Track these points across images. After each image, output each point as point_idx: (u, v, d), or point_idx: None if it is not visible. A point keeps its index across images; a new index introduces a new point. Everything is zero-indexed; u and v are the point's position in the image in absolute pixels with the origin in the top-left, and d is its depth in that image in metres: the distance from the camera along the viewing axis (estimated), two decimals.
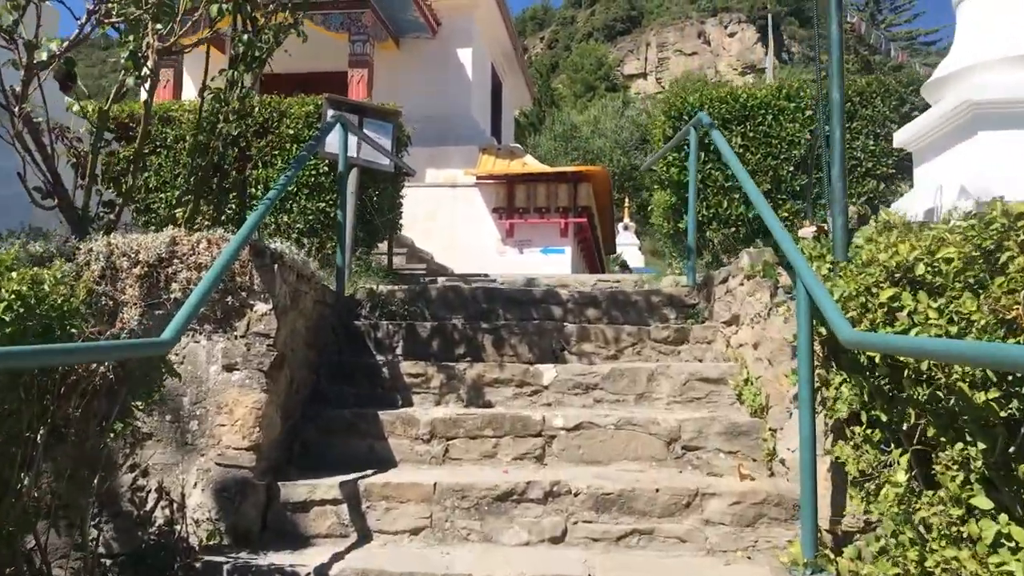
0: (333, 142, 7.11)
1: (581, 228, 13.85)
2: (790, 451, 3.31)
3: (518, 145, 14.37)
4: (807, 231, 3.95)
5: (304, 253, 7.24)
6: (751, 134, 6.74)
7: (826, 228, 3.78)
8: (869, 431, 2.65)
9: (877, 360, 2.61)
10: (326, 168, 6.98)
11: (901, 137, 5.36)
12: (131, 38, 3.45)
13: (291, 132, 7.17)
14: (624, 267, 23.94)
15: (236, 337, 3.32)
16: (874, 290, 2.64)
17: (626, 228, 34.54)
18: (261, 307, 3.35)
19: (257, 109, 7.27)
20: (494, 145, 14.50)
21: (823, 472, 2.95)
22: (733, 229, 6.63)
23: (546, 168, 13.64)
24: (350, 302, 4.94)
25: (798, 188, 6.65)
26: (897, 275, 2.60)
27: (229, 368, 3.29)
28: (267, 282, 3.36)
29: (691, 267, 5.07)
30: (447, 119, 14.52)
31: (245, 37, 3.62)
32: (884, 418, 2.61)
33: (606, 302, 4.94)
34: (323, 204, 7.01)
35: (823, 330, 2.87)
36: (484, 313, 5.01)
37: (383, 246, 7.65)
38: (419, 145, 14.52)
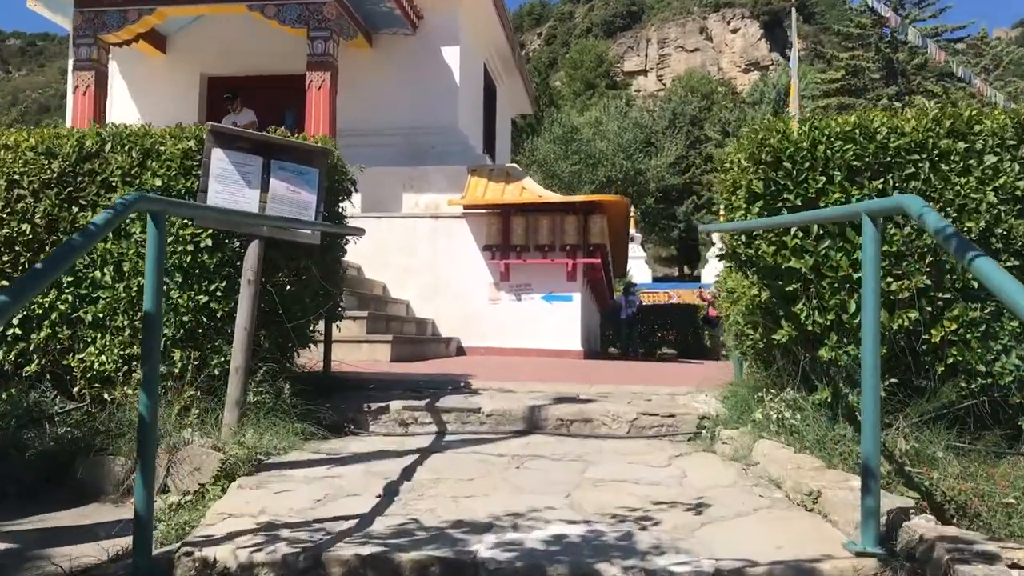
0: (223, 189, 4.49)
1: (592, 268, 11.22)
2: None
3: (515, 165, 11.71)
4: None
5: (176, 375, 4.68)
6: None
7: None
8: None
9: None
10: (209, 241, 4.36)
11: None
12: None
13: (158, 183, 4.51)
14: (630, 289, 21.32)
15: None
16: None
17: (631, 240, 31.81)
18: None
19: (110, 146, 4.65)
20: (486, 165, 11.84)
21: None
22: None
23: (550, 196, 10.99)
24: None
25: (974, 284, 4.02)
26: None
27: None
28: None
29: (873, 510, 2.44)
30: (429, 133, 11.85)
31: None
32: None
33: None
34: (206, 297, 4.36)
35: None
36: None
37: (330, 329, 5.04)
38: (395, 164, 11.80)
